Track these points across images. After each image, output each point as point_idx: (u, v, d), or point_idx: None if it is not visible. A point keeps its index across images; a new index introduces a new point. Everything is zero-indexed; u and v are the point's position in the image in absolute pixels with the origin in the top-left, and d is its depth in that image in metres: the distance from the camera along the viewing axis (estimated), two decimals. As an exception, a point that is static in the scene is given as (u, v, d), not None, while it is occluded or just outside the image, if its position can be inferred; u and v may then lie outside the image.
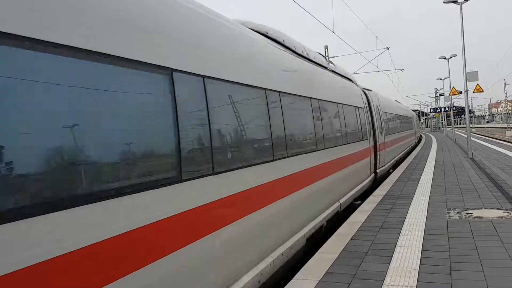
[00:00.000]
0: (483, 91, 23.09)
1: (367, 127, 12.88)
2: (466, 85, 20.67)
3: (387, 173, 16.68)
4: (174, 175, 3.40)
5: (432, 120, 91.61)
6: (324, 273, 5.11)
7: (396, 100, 31.03)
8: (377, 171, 14.18)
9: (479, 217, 7.56)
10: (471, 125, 31.39)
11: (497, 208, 8.25)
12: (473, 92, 23.23)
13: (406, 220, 7.64)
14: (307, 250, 6.80)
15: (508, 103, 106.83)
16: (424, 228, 7.00)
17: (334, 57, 31.76)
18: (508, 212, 7.80)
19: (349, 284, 4.72)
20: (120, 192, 2.82)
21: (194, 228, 3.63)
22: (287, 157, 5.99)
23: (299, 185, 6.43)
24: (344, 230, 7.19)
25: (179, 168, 3.45)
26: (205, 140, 3.88)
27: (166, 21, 3.67)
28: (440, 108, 48.71)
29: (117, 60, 2.93)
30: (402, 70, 37.97)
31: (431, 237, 6.45)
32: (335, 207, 8.47)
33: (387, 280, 4.76)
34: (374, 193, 10.99)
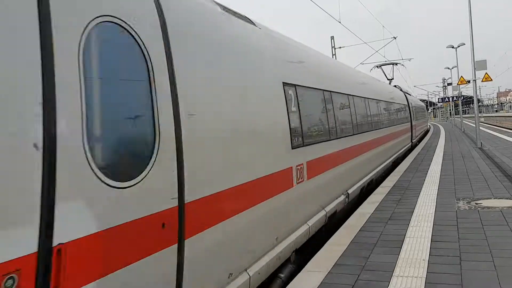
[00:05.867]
0: (491, 80, 22.83)
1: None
2: (475, 74, 20.43)
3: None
4: None
5: (440, 110, 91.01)
6: (333, 264, 5.12)
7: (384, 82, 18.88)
8: None
9: (488, 207, 7.52)
10: (479, 115, 31.13)
11: (507, 198, 8.20)
12: (482, 81, 22.98)
13: (415, 211, 7.62)
14: None
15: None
16: (433, 218, 6.98)
17: (340, 47, 31.57)
18: (518, 202, 7.75)
19: (358, 276, 4.73)
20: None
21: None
22: None
23: None
24: (352, 221, 7.18)
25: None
26: None
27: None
28: (448, 98, 48.30)
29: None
30: (409, 60, 37.66)
31: (441, 227, 6.42)
32: None
33: (397, 271, 4.76)
34: (383, 184, 10.95)
